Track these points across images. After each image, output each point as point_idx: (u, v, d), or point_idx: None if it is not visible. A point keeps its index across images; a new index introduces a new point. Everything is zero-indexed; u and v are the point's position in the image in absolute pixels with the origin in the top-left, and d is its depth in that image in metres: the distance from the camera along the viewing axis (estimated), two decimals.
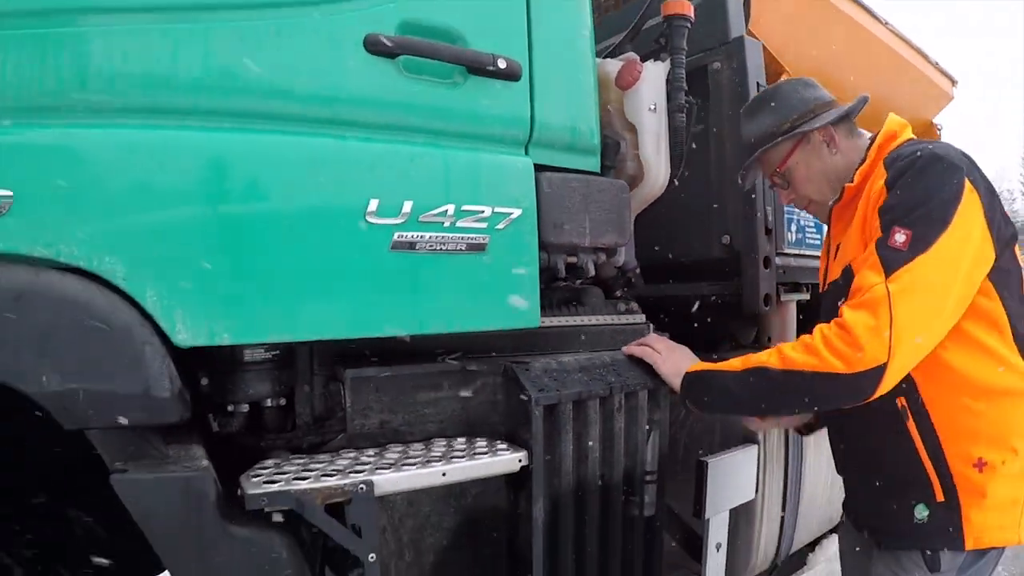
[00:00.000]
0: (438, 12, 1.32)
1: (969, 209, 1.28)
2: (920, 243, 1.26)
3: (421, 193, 1.25)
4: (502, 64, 1.35)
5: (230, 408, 1.32)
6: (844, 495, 1.65)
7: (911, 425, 1.37)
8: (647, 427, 1.56)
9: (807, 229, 2.24)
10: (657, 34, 1.84)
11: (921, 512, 1.38)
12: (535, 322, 1.39)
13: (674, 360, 1.54)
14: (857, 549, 1.61)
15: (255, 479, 1.14)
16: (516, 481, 1.38)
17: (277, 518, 1.13)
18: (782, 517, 2.13)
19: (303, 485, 1.12)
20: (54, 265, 1.03)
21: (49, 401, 1.02)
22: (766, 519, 2.05)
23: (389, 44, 1.23)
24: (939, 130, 4.68)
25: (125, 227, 1.05)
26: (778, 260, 2.06)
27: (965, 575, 1.41)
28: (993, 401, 1.34)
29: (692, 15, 1.81)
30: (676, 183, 1.82)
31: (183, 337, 1.07)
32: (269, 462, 1.24)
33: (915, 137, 1.56)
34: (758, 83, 2.07)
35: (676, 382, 1.50)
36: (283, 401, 1.36)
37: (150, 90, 1.09)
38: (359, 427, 1.32)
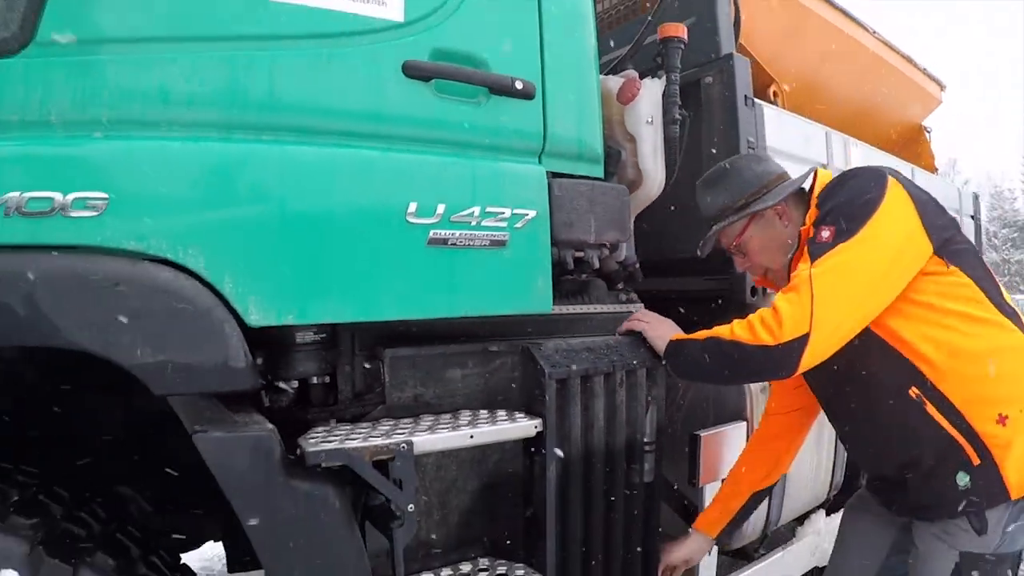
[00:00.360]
0: (464, 41, 1.52)
1: (894, 202, 1.49)
2: (843, 234, 1.47)
3: (452, 197, 1.46)
4: (519, 85, 1.55)
5: (281, 384, 1.52)
6: (876, 491, 1.79)
7: (931, 409, 1.52)
8: (646, 401, 1.77)
9: None
10: (655, 53, 2.05)
11: (963, 479, 1.51)
12: (548, 308, 1.60)
13: (660, 330, 1.76)
14: (873, 520, 1.80)
15: (312, 440, 1.35)
16: (532, 446, 1.59)
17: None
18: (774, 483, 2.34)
19: (354, 443, 1.32)
20: (146, 257, 1.23)
21: (142, 371, 1.22)
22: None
23: (424, 69, 1.44)
24: (928, 132, 4.90)
25: (206, 225, 1.26)
26: None
27: (1017, 523, 1.53)
28: (996, 362, 1.50)
29: (686, 37, 2.02)
30: (671, 187, 2.03)
31: (255, 318, 1.28)
32: (320, 428, 1.45)
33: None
34: (746, 96, 2.28)
35: (661, 346, 1.72)
36: (327, 378, 1.56)
37: (227, 109, 1.30)
38: (396, 399, 1.53)
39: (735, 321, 1.55)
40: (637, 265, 2.05)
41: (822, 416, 1.90)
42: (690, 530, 2.02)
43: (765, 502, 2.31)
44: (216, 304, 1.25)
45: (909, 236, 1.49)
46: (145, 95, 1.26)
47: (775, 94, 2.98)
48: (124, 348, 1.21)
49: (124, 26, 1.26)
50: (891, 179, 1.53)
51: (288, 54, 1.34)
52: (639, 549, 1.80)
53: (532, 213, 1.57)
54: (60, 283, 1.18)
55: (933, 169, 4.65)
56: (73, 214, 1.19)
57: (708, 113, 2.32)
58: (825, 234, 1.49)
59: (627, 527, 1.76)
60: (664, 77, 2.00)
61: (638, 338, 1.80)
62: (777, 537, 2.62)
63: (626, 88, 1.95)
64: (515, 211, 1.54)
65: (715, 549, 2.16)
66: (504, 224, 1.52)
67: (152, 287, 1.22)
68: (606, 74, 2.27)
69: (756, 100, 2.33)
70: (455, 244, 1.46)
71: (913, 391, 1.53)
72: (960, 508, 1.52)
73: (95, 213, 1.20)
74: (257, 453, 1.27)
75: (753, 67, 2.86)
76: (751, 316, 1.53)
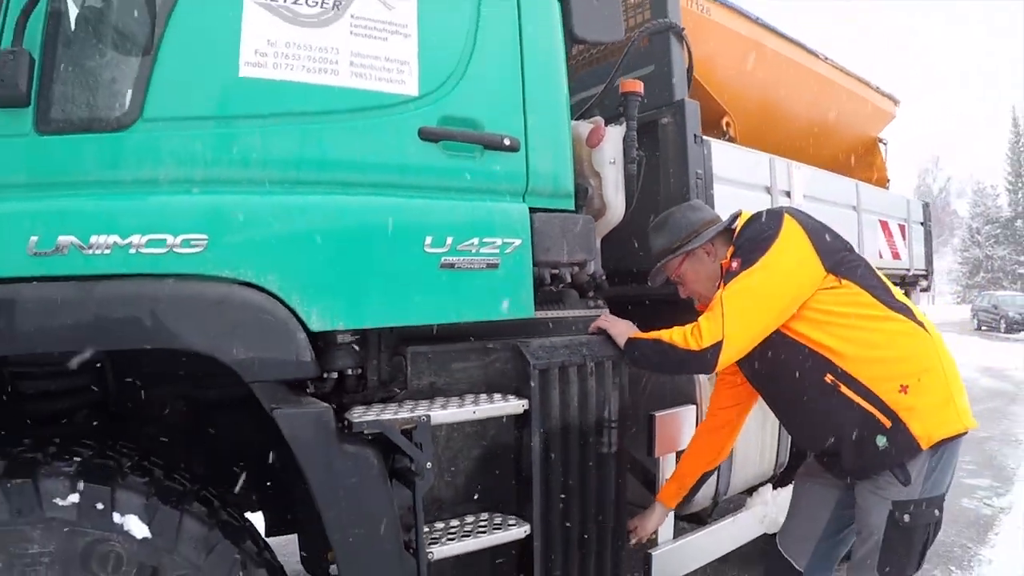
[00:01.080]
0: (464, 108, 2.02)
1: (788, 236, 2.00)
2: (746, 264, 2.00)
3: (457, 231, 1.96)
4: (507, 142, 2.06)
5: (324, 375, 2.01)
6: (822, 462, 2.23)
7: (844, 390, 1.99)
8: (612, 386, 2.28)
9: None
10: (618, 103, 2.57)
11: (881, 441, 1.96)
12: (530, 313, 2.10)
13: (620, 328, 2.27)
14: (819, 487, 2.27)
15: (356, 415, 1.84)
16: (520, 422, 2.10)
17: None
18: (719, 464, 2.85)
19: (387, 417, 1.82)
20: (237, 281, 1.73)
21: (237, 365, 1.71)
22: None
23: (435, 133, 1.95)
24: (884, 144, 5.46)
25: (280, 257, 1.76)
26: None
27: (935, 471, 1.96)
28: (892, 345, 1.99)
29: (642, 91, 2.53)
30: (631, 213, 2.54)
31: (316, 324, 1.78)
32: (359, 407, 1.95)
33: None
34: (695, 135, 2.78)
35: (621, 342, 2.23)
36: (360, 370, 2.06)
37: (291, 169, 1.80)
38: (416, 386, 2.03)
39: (675, 328, 2.07)
40: (603, 277, 2.55)
41: (765, 404, 2.43)
42: (654, 502, 2.54)
43: (715, 476, 2.83)
44: (288, 315, 1.75)
45: (801, 261, 2.01)
46: (230, 159, 1.76)
47: (727, 124, 3.49)
48: (224, 348, 1.70)
49: (209, 106, 1.76)
50: (787, 217, 2.05)
51: (336, 126, 1.85)
52: (610, 504, 2.31)
53: (518, 241, 2.07)
54: (176, 302, 1.67)
55: (885, 180, 5.20)
56: (181, 251, 1.68)
57: (664, 149, 2.83)
58: (734, 265, 2.03)
59: (598, 488, 2.27)
60: (624, 124, 2.51)
61: (604, 336, 2.31)
62: (728, 506, 3.15)
63: (593, 134, 2.46)
64: (505, 240, 2.04)
65: (672, 514, 2.69)
66: (496, 251, 2.03)
67: (243, 304, 1.71)
68: (580, 115, 2.79)
69: (705, 137, 2.84)
70: (460, 267, 1.96)
71: (828, 378, 2.02)
72: (883, 465, 1.98)
73: (198, 250, 1.69)
74: (319, 424, 1.77)
75: (707, 100, 3.40)
76: (686, 326, 2.04)
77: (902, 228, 4.69)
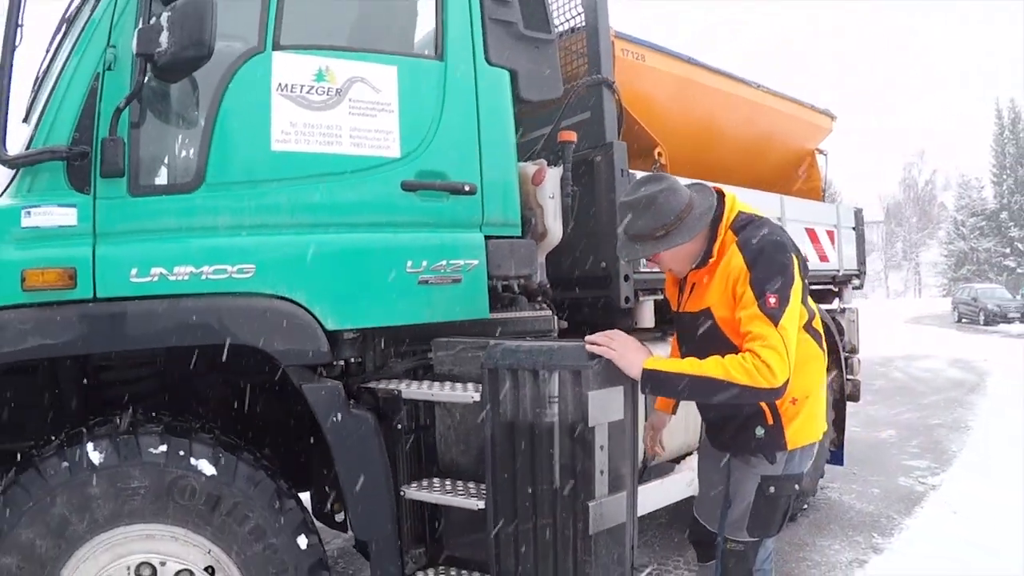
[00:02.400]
0: (434, 163, 2.89)
1: (795, 270, 2.36)
2: (783, 302, 2.27)
3: (430, 256, 2.83)
4: (467, 188, 2.93)
5: (334, 362, 2.87)
6: (707, 433, 2.80)
7: None
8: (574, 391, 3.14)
9: None
10: (557, 148, 3.44)
11: (760, 432, 2.48)
12: (486, 315, 2.97)
13: (629, 358, 2.48)
14: (714, 460, 2.78)
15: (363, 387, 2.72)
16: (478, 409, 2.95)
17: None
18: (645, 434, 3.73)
19: (380, 386, 2.70)
20: (276, 297, 2.59)
21: (278, 354, 2.57)
22: (632, 435, 3.65)
23: (413, 185, 2.82)
24: (824, 154, 6.36)
25: (306, 280, 2.62)
26: (635, 276, 3.66)
27: (793, 461, 2.54)
28: (801, 366, 2.38)
29: (575, 140, 3.40)
30: (568, 236, 3.42)
31: (330, 325, 2.64)
32: (367, 385, 2.81)
33: (743, 211, 2.53)
34: (622, 169, 3.64)
35: (633, 372, 2.46)
36: (360, 359, 2.92)
37: (308, 215, 2.66)
38: (400, 370, 2.90)
39: (727, 361, 2.25)
40: (548, 286, 3.43)
41: None
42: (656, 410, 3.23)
43: (642, 443, 3.70)
44: (311, 319, 2.61)
45: (801, 290, 2.40)
46: (267, 210, 2.62)
47: (659, 153, 4.35)
48: (268, 342, 2.56)
49: (251, 173, 2.62)
50: (791, 252, 2.39)
51: (341, 183, 2.71)
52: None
53: (475, 261, 2.94)
54: (235, 311, 2.54)
55: (819, 189, 6.11)
56: (236, 276, 2.54)
57: (598, 181, 3.68)
58: (772, 301, 2.26)
59: (540, 453, 3.14)
60: (561, 166, 3.38)
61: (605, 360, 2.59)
62: (659, 471, 4.03)
63: (537, 174, 3.32)
64: (466, 261, 2.92)
65: (607, 472, 3.55)
66: (459, 269, 2.90)
67: (280, 312, 2.58)
68: (530, 155, 3.67)
69: (631, 170, 3.70)
70: (433, 282, 2.83)
71: None
72: (754, 449, 2.53)
73: (248, 275, 2.55)
74: (333, 394, 2.64)
75: (642, 134, 4.28)
76: (741, 362, 2.22)
77: (830, 234, 5.59)
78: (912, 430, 8.30)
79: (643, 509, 3.81)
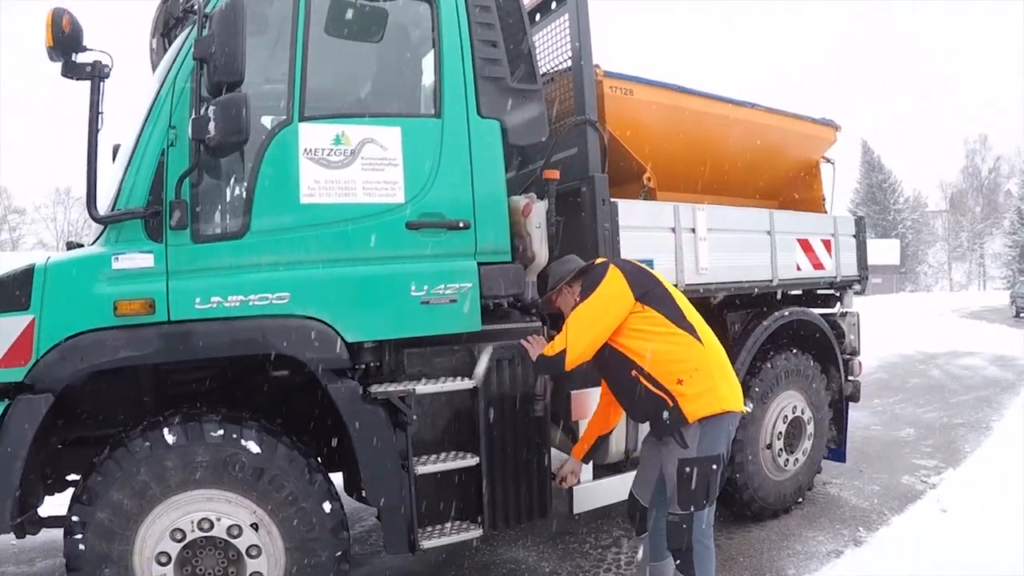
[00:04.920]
0: (433, 205, 3.74)
1: (610, 278, 3.47)
2: (582, 299, 3.51)
3: (432, 280, 3.69)
4: (461, 224, 3.78)
5: (356, 367, 3.75)
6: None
7: (643, 381, 3.40)
8: (537, 374, 3.99)
9: None
10: (541, 185, 4.27)
11: (665, 415, 3.38)
12: (478, 327, 3.82)
13: (534, 350, 3.75)
14: (651, 444, 3.80)
15: (373, 388, 3.60)
16: (473, 394, 3.82)
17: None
18: (626, 429, 4.54)
19: (392, 388, 3.58)
20: (307, 317, 3.49)
21: (308, 361, 3.47)
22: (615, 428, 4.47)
23: (415, 224, 3.69)
24: (831, 163, 7.03)
25: (328, 303, 3.51)
26: None
27: (706, 437, 3.36)
28: (673, 352, 3.40)
29: (559, 177, 4.23)
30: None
31: (349, 338, 3.53)
32: (376, 384, 3.69)
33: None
34: (603, 199, 4.44)
35: (532, 358, 3.75)
36: (377, 363, 3.81)
37: (328, 252, 3.55)
38: (411, 373, 3.78)
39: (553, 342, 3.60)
40: (540, 301, 4.26)
41: None
42: (569, 457, 4.22)
43: (624, 434, 4.52)
44: (334, 334, 3.51)
45: (620, 294, 3.50)
46: (298, 251, 3.51)
47: (648, 179, 5.13)
48: (301, 352, 3.46)
49: (285, 222, 3.51)
50: (612, 265, 3.53)
51: (357, 227, 3.59)
52: (535, 450, 4.03)
53: (470, 284, 3.79)
54: (276, 329, 3.45)
55: (820, 199, 6.78)
56: (276, 302, 3.45)
57: (583, 209, 4.50)
58: (578, 299, 3.57)
59: (526, 437, 3.99)
60: (546, 200, 4.21)
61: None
62: (635, 463, 4.82)
63: (525, 207, 4.15)
64: (461, 285, 3.77)
65: (591, 465, 4.39)
66: (455, 291, 3.75)
67: (310, 328, 3.48)
68: (524, 188, 4.52)
69: (613, 199, 4.50)
70: (433, 303, 3.69)
71: (632, 372, 3.55)
72: (668, 431, 3.43)
73: (285, 301, 3.46)
74: (352, 393, 3.53)
75: (631, 161, 5.07)
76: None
77: (826, 243, 6.27)
78: (931, 429, 8.78)
79: (624, 495, 4.62)
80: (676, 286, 4.74)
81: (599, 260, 3.80)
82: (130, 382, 3.77)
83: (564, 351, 3.46)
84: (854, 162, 66.58)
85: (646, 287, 3.55)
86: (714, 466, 3.42)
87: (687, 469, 3.39)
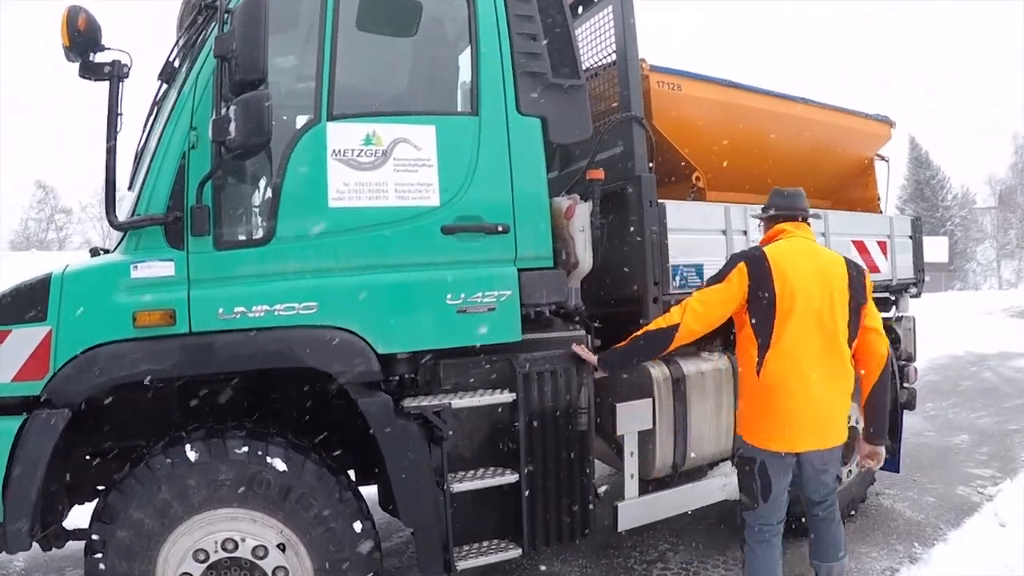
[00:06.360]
0: (469, 208, 3.45)
1: (735, 272, 3.38)
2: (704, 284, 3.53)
3: (467, 289, 3.40)
4: (500, 228, 3.48)
5: (389, 378, 3.48)
6: None
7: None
8: (579, 385, 3.68)
9: (688, 277, 4.30)
10: (583, 188, 3.95)
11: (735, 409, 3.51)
12: (518, 338, 3.52)
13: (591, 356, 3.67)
14: None
15: (407, 401, 3.33)
16: (513, 408, 3.52)
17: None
18: (674, 442, 4.21)
19: (424, 403, 3.30)
20: (337, 328, 3.22)
21: (339, 375, 3.21)
22: (661, 442, 4.14)
23: (451, 228, 3.40)
24: (885, 160, 6.60)
25: (358, 312, 3.24)
26: (664, 298, 4.13)
27: (741, 445, 3.51)
28: (740, 360, 3.48)
29: (603, 177, 3.90)
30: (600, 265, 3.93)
31: (381, 349, 3.26)
32: (410, 397, 3.41)
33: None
34: (650, 200, 4.12)
35: (594, 361, 3.65)
36: (414, 375, 3.53)
37: (362, 258, 3.28)
38: (447, 385, 3.50)
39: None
40: (582, 307, 3.94)
41: (722, 395, 4.12)
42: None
43: (672, 446, 4.19)
44: (364, 345, 3.24)
45: (738, 288, 3.37)
46: (327, 257, 3.25)
47: (696, 178, 4.79)
48: (329, 365, 3.20)
49: (313, 227, 3.24)
50: (740, 263, 3.38)
51: (388, 231, 3.32)
52: (578, 466, 3.71)
53: (509, 292, 3.50)
54: (303, 340, 3.19)
55: (875, 198, 6.35)
56: (303, 312, 3.19)
57: (629, 210, 4.17)
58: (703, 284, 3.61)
59: (568, 452, 3.68)
60: (590, 202, 3.88)
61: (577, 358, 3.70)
62: (690, 475, 4.49)
63: (568, 209, 3.83)
64: (500, 292, 3.48)
65: (636, 480, 4.07)
66: (494, 299, 3.46)
67: (339, 340, 3.21)
68: (568, 189, 4.20)
69: (661, 200, 4.17)
70: (470, 311, 3.41)
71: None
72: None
73: (313, 311, 3.19)
74: (383, 407, 3.26)
75: (678, 160, 4.73)
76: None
77: (882, 244, 5.84)
78: (985, 436, 8.32)
79: (672, 511, 4.31)
80: None
81: (763, 242, 3.70)
82: (157, 394, 3.55)
83: (676, 324, 3.39)
84: (901, 159, 65.28)
85: (763, 289, 3.35)
86: (747, 467, 3.44)
87: (734, 463, 3.61)
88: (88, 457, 3.70)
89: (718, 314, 3.42)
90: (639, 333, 3.56)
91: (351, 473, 4.17)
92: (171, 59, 3.77)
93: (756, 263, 3.36)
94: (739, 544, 3.53)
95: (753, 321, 3.36)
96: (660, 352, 3.55)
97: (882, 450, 3.64)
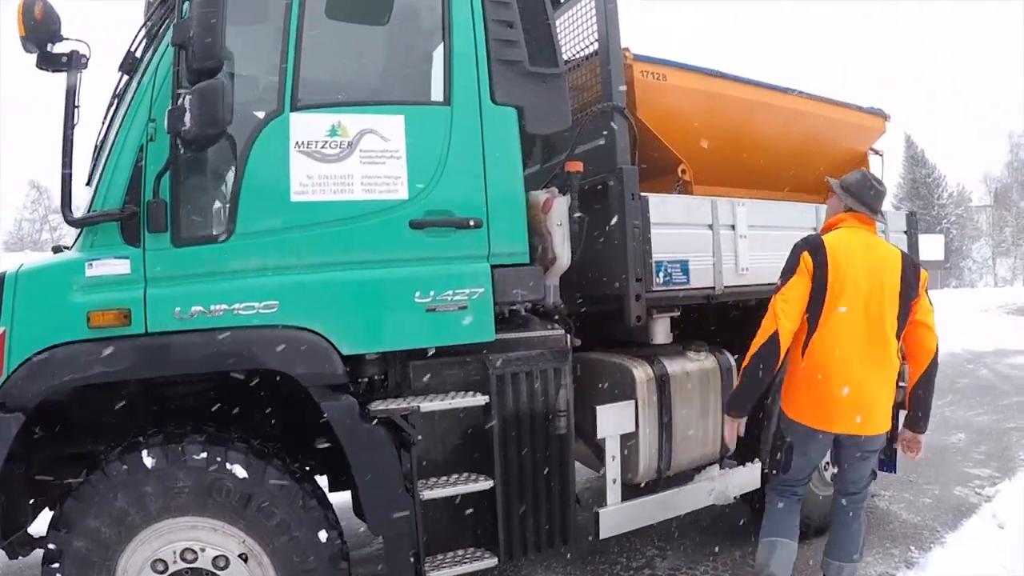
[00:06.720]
0: (439, 202, 3.30)
1: (803, 263, 3.40)
2: (780, 282, 3.44)
3: (438, 285, 3.24)
4: (472, 223, 3.32)
5: (359, 380, 3.33)
6: None
7: None
8: (557, 387, 3.52)
9: (673, 273, 4.13)
10: (561, 180, 3.79)
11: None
12: (491, 338, 3.36)
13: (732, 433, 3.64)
14: None
15: (374, 405, 3.17)
16: (486, 411, 3.37)
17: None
18: (659, 445, 4.05)
19: (393, 406, 3.14)
20: (299, 327, 3.06)
21: (301, 376, 3.05)
22: (644, 445, 3.97)
23: (420, 223, 3.24)
24: (880, 154, 6.44)
25: (321, 311, 3.09)
26: (647, 295, 3.96)
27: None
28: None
29: (582, 170, 3.74)
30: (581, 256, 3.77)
31: (345, 350, 3.10)
32: (379, 400, 3.26)
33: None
34: (632, 193, 3.95)
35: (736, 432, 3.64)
36: (382, 377, 3.37)
37: (322, 255, 3.12)
38: (417, 387, 3.34)
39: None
40: (562, 306, 3.78)
41: (708, 396, 3.99)
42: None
43: (657, 450, 4.03)
44: (328, 346, 3.08)
45: (809, 274, 3.40)
46: (289, 254, 3.09)
47: (682, 171, 4.62)
48: (291, 366, 3.05)
49: (274, 222, 3.09)
50: (804, 251, 3.42)
51: (354, 226, 3.16)
52: (557, 471, 3.56)
53: (481, 290, 3.34)
54: (263, 341, 3.03)
55: None
56: (263, 311, 3.03)
57: (611, 203, 4.00)
58: (779, 282, 3.49)
59: (547, 457, 3.52)
60: (569, 195, 3.72)
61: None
62: (677, 480, 4.32)
63: (545, 203, 3.67)
64: (472, 290, 3.31)
65: (619, 485, 3.90)
66: (465, 297, 3.30)
67: (301, 340, 3.05)
68: (548, 183, 4.03)
69: (644, 193, 4.00)
70: (440, 310, 3.25)
71: None
72: None
73: (274, 310, 3.04)
74: (348, 411, 3.10)
75: (666, 152, 4.57)
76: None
77: None
78: (983, 434, 8.17)
79: (656, 517, 4.16)
80: (714, 289, 4.29)
81: (825, 228, 3.80)
82: (122, 396, 3.39)
83: (776, 331, 3.38)
84: (897, 157, 65.43)
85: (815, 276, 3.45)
86: (778, 443, 3.67)
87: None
88: (56, 460, 3.56)
89: (804, 304, 3.43)
90: (745, 363, 3.50)
91: (325, 479, 4.05)
92: (132, 49, 3.61)
93: (816, 250, 3.43)
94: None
95: (807, 305, 3.43)
96: (776, 365, 3.45)
97: (923, 439, 3.78)
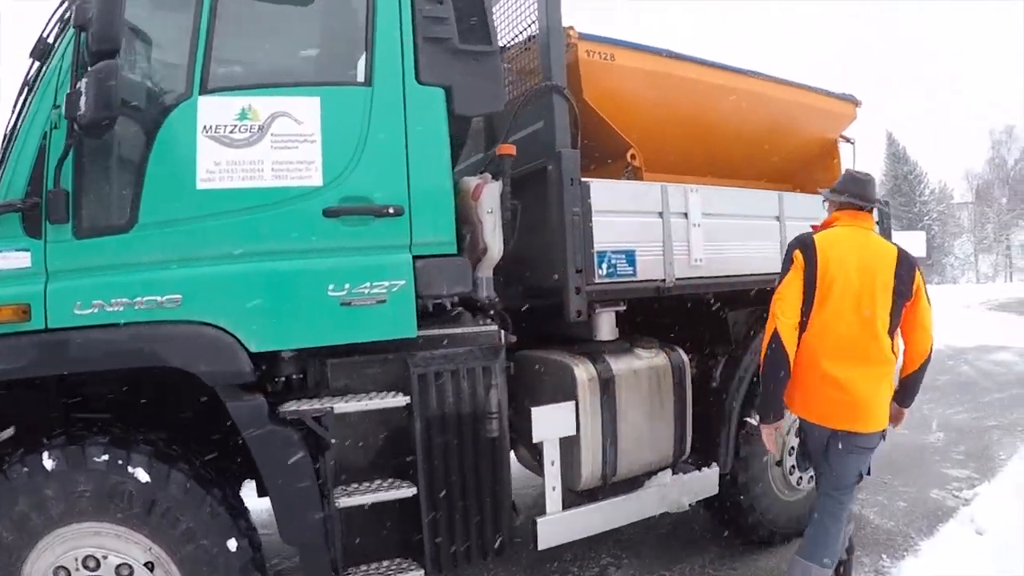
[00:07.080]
0: (358, 188, 3.34)
1: (796, 259, 3.60)
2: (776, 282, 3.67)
3: (354, 278, 3.29)
4: (392, 210, 3.37)
5: (276, 379, 3.38)
6: None
7: None
8: (488, 387, 3.58)
9: (617, 265, 4.19)
10: (495, 166, 3.84)
11: None
12: (413, 334, 3.42)
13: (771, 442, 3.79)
14: None
15: (285, 406, 3.22)
16: (408, 412, 3.42)
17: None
18: (603, 450, 4.10)
19: (305, 407, 3.19)
20: (203, 323, 3.11)
21: (204, 375, 3.10)
22: (587, 450, 4.01)
23: (335, 211, 3.28)
24: (851, 142, 6.53)
25: (227, 306, 3.13)
26: (588, 288, 4.02)
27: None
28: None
29: (514, 153, 3.80)
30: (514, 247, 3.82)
31: (253, 347, 3.15)
32: (291, 400, 3.30)
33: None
34: (572, 179, 3.99)
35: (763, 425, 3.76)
36: (300, 376, 3.42)
37: (232, 246, 3.16)
38: (336, 387, 3.39)
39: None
40: (496, 299, 3.84)
41: (660, 396, 4.05)
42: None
43: (601, 455, 4.09)
44: (234, 342, 3.13)
45: (802, 270, 3.58)
46: (194, 245, 3.13)
47: (632, 156, 4.69)
48: (194, 364, 3.09)
49: (179, 211, 3.12)
50: (795, 250, 3.62)
51: (264, 215, 3.21)
52: (489, 477, 3.62)
53: (402, 282, 3.39)
54: (165, 337, 3.07)
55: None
56: (166, 306, 3.07)
57: (550, 190, 4.06)
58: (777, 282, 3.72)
59: (476, 462, 3.58)
60: (500, 181, 3.78)
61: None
62: (626, 486, 4.37)
63: (475, 189, 3.73)
64: (391, 283, 3.37)
65: (560, 492, 3.96)
66: (384, 291, 3.35)
67: (207, 336, 3.10)
68: (484, 169, 4.09)
69: (584, 179, 4.05)
70: (356, 304, 3.30)
71: None
72: None
73: (176, 305, 3.08)
74: (255, 412, 3.16)
75: (614, 136, 4.63)
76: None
77: None
78: (962, 433, 8.31)
79: (602, 526, 4.22)
80: (663, 281, 4.36)
81: (821, 226, 3.91)
82: (41, 394, 3.44)
83: (775, 329, 3.58)
84: (879, 154, 67.29)
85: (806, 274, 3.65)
86: (801, 438, 4.04)
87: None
88: None
89: (799, 301, 3.62)
90: (760, 369, 3.73)
91: (252, 485, 4.09)
92: (45, 35, 3.63)
93: (806, 248, 3.63)
94: None
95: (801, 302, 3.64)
96: (788, 362, 3.58)
97: (906, 412, 4.03)
